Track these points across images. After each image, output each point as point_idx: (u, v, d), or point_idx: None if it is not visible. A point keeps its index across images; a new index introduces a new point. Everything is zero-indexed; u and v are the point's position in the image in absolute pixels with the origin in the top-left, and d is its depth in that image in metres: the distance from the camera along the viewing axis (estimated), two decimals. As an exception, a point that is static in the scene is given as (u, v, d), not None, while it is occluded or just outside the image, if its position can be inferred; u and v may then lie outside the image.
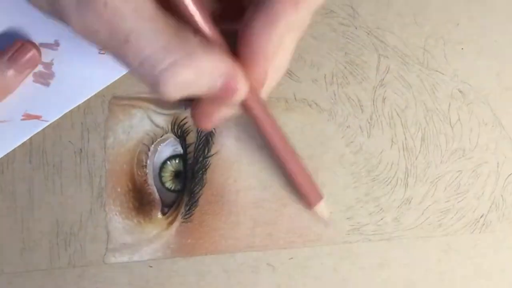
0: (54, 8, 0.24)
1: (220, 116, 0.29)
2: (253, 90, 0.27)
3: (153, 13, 0.23)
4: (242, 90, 0.26)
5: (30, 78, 0.35)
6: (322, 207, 0.33)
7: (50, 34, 0.36)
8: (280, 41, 0.26)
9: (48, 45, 0.36)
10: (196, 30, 0.25)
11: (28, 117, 0.35)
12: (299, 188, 0.32)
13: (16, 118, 0.35)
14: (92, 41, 0.24)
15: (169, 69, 0.24)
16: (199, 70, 0.24)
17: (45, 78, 0.35)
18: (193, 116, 0.29)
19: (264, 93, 0.28)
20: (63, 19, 0.24)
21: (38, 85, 0.35)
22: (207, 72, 0.24)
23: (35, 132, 0.35)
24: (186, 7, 0.25)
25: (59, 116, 0.35)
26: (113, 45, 0.24)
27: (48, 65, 0.35)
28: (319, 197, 0.33)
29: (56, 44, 0.36)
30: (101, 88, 0.35)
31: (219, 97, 0.26)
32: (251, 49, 0.26)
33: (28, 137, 0.35)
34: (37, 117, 0.35)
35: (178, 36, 0.24)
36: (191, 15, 0.25)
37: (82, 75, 0.36)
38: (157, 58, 0.23)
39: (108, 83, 0.35)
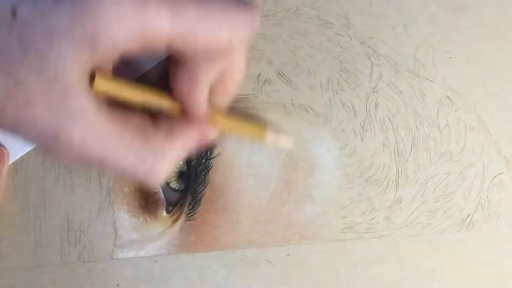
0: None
1: None
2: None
3: (114, 130, 0.24)
4: (211, 135, 0.28)
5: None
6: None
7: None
8: (205, 90, 0.27)
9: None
10: (156, 122, 0.27)
11: (43, 120, 0.36)
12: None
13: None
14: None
15: (150, 173, 0.25)
16: (176, 157, 0.26)
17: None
18: None
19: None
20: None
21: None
22: (182, 152, 0.27)
23: (50, 135, 0.36)
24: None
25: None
26: (92, 167, 0.25)
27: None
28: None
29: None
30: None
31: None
32: (185, 103, 0.27)
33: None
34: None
35: (143, 141, 0.25)
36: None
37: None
38: (134, 169, 0.25)
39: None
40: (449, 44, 0.36)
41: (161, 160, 0.26)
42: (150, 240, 0.35)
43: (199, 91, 0.27)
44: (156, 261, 0.35)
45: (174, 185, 0.35)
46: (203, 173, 0.35)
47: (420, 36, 0.36)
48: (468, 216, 0.34)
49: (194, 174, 0.35)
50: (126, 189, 0.35)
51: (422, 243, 0.34)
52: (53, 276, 0.35)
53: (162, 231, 0.35)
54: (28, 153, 0.36)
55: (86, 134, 0.23)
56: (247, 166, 0.35)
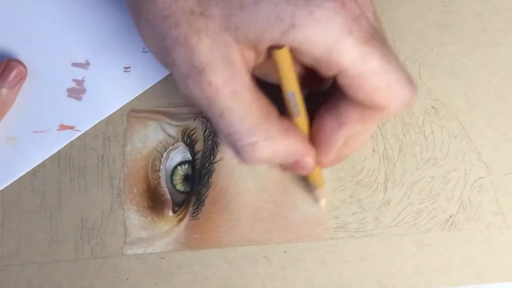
0: (166, 62, 0.25)
1: None
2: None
3: (248, 97, 0.25)
4: (309, 168, 0.29)
5: (64, 93, 0.37)
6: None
7: (82, 55, 0.37)
8: (343, 141, 0.28)
9: (80, 64, 0.37)
10: (281, 115, 0.27)
11: (63, 127, 0.37)
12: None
13: (53, 128, 0.37)
14: (191, 101, 0.26)
15: (251, 147, 0.25)
16: (276, 152, 0.26)
17: (77, 93, 0.37)
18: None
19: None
20: (171, 72, 0.26)
21: (71, 99, 0.37)
22: (282, 153, 0.27)
23: (69, 141, 0.37)
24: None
25: (91, 127, 0.37)
26: (209, 114, 0.25)
27: (80, 82, 0.37)
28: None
29: (87, 63, 0.37)
30: (126, 102, 0.37)
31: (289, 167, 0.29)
32: (319, 141, 0.28)
33: (64, 145, 0.37)
34: (71, 128, 0.37)
35: (264, 119, 0.25)
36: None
37: (110, 90, 0.37)
38: (242, 136, 0.25)
39: (132, 98, 0.37)
40: (434, 58, 0.36)
41: (267, 145, 0.25)
42: (157, 237, 0.36)
43: (336, 140, 0.27)
44: (163, 257, 0.36)
45: (179, 187, 0.37)
46: (207, 176, 0.36)
47: (408, 50, 0.37)
48: (450, 217, 0.35)
49: (198, 177, 0.36)
50: (135, 191, 0.36)
51: (408, 242, 0.35)
52: (67, 271, 0.36)
53: (168, 229, 0.36)
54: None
55: (228, 81, 0.24)
56: (247, 170, 0.36)
